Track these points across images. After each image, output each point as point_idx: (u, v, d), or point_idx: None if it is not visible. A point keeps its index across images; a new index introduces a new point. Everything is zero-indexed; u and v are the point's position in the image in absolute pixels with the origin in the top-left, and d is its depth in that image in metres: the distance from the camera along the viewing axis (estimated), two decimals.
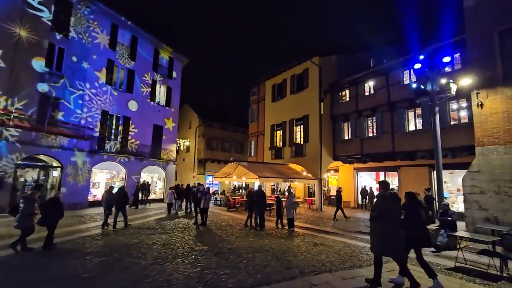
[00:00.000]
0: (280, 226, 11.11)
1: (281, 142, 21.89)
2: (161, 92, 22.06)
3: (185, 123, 30.78)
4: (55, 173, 15.01)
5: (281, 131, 21.99)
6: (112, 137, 17.94)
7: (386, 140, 15.30)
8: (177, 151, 27.55)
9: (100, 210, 11.41)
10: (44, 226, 6.96)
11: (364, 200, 17.74)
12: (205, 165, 28.04)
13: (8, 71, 13.03)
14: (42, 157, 14.42)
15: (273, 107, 23.15)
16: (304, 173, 18.63)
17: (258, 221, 10.80)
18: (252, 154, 25.27)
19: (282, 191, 21.28)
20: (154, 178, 21.10)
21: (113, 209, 10.03)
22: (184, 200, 16.39)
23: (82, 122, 16.00)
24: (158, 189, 21.17)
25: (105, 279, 4.99)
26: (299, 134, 20.30)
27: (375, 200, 5.36)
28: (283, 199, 12.52)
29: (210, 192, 14.93)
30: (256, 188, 12.93)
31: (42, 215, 6.94)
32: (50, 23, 14.71)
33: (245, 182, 22.30)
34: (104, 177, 17.66)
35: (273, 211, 14.12)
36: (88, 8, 16.64)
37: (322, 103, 18.61)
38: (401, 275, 4.83)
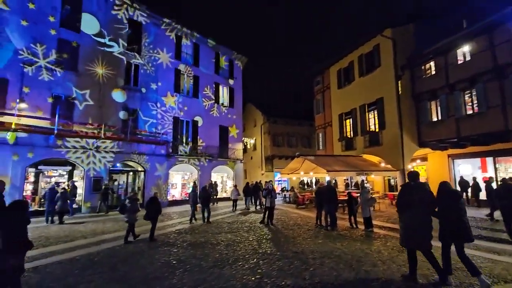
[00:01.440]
0: (354, 226, 9.72)
1: (351, 132, 19.80)
2: (224, 94, 22.72)
3: (250, 122, 31.20)
4: (141, 176, 16.87)
5: (351, 119, 19.88)
6: (184, 140, 19.26)
7: (494, 117, 11.91)
8: (244, 150, 28.09)
9: (178, 208, 12.14)
10: (148, 220, 8.23)
11: (465, 193, 14.32)
12: (273, 162, 27.76)
13: (96, 106, 15.01)
14: (129, 163, 16.41)
15: (340, 95, 21.15)
16: (383, 165, 16.28)
17: (328, 220, 9.66)
18: (320, 148, 23.72)
19: (358, 186, 19.21)
20: (223, 177, 21.86)
21: (198, 205, 11.35)
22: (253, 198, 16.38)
23: (158, 128, 17.57)
24: (228, 188, 21.83)
25: (165, 282, 4.87)
26: (372, 121, 17.92)
27: (400, 189, 5.03)
28: (357, 195, 10.99)
29: (276, 189, 14.33)
30: (326, 183, 11.74)
31: (146, 211, 8.23)
32: (121, 56, 16.41)
33: (315, 178, 21.03)
34: (180, 178, 19.09)
35: (347, 209, 12.62)
36: (155, 25, 18.20)
37: (399, 82, 15.91)
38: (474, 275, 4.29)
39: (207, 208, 11.30)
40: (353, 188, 18.63)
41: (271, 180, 18.75)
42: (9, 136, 11.92)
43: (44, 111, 13.13)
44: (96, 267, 5.78)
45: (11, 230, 3.67)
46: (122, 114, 15.74)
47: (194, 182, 16.70)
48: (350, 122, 20.03)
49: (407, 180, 4.90)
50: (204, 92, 20.89)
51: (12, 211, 3.87)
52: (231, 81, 23.14)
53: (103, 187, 14.10)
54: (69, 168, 14.07)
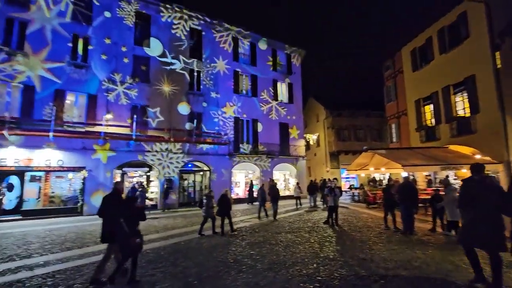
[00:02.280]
0: (441, 230, 8.07)
1: (433, 119, 16.90)
2: (282, 90, 22.29)
3: (312, 117, 29.97)
4: (207, 175, 17.83)
5: (431, 105, 16.98)
6: (245, 139, 19.59)
7: None
8: (307, 147, 27.11)
9: (241, 206, 12.33)
10: (221, 216, 8.85)
11: None
12: (338, 158, 26.01)
13: (166, 121, 16.31)
14: (196, 163, 17.52)
15: (416, 78, 18.32)
16: (478, 156, 13.32)
17: (404, 223, 8.26)
18: (394, 140, 21.06)
19: (446, 182, 16.28)
20: (286, 175, 21.45)
21: (267, 202, 11.73)
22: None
23: (220, 129, 18.29)
24: (291, 186, 21.31)
25: (218, 281, 4.74)
26: (460, 104, 14.90)
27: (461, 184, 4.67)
28: (443, 193, 9.15)
29: (343, 187, 13.22)
30: (402, 180, 10.16)
31: (219, 207, 8.92)
32: (183, 71, 17.43)
33: (388, 174, 18.72)
34: (243, 177, 19.49)
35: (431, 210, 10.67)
36: (212, 30, 19.01)
37: (497, 53, 12.78)
38: None
39: (275, 205, 11.52)
40: (438, 185, 15.86)
41: (335, 178, 17.50)
42: (102, 156, 14.10)
43: (124, 120, 15.00)
44: (160, 261, 6.08)
45: (131, 219, 4.78)
46: (188, 125, 16.85)
47: (272, 180, 16.81)
48: (430, 108, 17.13)
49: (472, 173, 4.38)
50: (262, 91, 20.86)
51: (128, 205, 5.08)
52: (289, 77, 22.56)
53: (164, 186, 15.34)
54: (147, 169, 15.77)
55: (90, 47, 14.62)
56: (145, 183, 15.17)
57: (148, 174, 15.82)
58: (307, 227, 9.54)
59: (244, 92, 20.25)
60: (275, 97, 21.47)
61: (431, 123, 17.02)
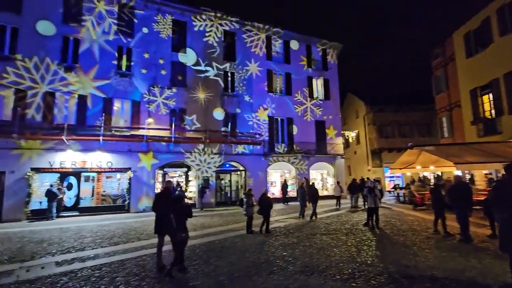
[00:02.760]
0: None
1: (492, 110, 14.94)
2: (318, 87, 21.62)
3: (351, 113, 28.57)
4: (242, 175, 18.03)
5: (490, 94, 15.04)
6: (280, 139, 19.40)
7: None
8: (347, 144, 25.90)
9: (277, 206, 12.23)
10: (262, 215, 8.88)
11: None
12: (381, 155, 24.37)
13: (202, 125, 16.77)
14: (232, 163, 17.83)
15: (471, 65, 16.37)
16: None
17: (461, 228, 7.37)
18: (446, 135, 19.09)
19: None
20: (323, 174, 20.74)
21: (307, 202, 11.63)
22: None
23: (255, 125, 18.35)
24: (329, 185, 20.55)
25: (248, 282, 4.71)
26: None
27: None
28: None
29: (387, 187, 12.39)
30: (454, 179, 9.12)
31: (259, 207, 8.93)
32: (216, 78, 17.79)
33: (438, 172, 17.01)
34: (279, 176, 19.31)
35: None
36: (247, 31, 19.17)
37: None
38: None
39: (314, 205, 11.42)
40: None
41: (378, 178, 16.43)
42: (146, 164, 15.17)
43: (164, 123, 15.86)
44: (195, 258, 6.26)
45: (179, 215, 5.14)
46: (223, 129, 17.31)
47: (306, 179, 16.52)
48: (489, 97, 15.18)
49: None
50: (297, 89, 20.46)
51: (176, 202, 5.46)
52: (324, 73, 21.79)
53: (200, 186, 15.80)
54: (185, 169, 16.49)
55: (132, 62, 15.76)
56: (183, 182, 15.87)
57: (186, 174, 16.53)
58: (345, 229, 9.06)
59: (278, 91, 20.07)
60: (310, 94, 20.90)
61: (491, 115, 15.06)
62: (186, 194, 14.01)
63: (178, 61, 16.98)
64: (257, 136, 18.18)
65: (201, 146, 16.58)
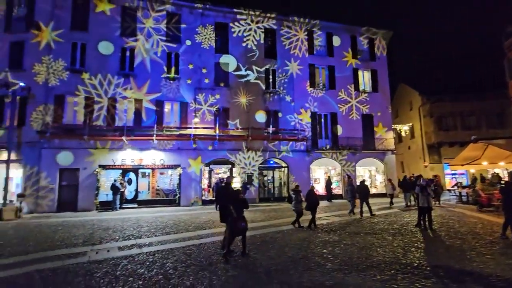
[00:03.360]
0: None
1: None
2: (365, 78, 20.43)
3: (403, 105, 26.31)
4: (285, 172, 18.05)
5: None
6: (323, 135, 18.89)
7: None
8: (399, 139, 24.05)
9: (321, 203, 11.94)
10: (309, 211, 9.02)
11: None
12: (440, 151, 22.02)
13: (245, 131, 17.05)
14: (275, 159, 17.97)
15: None
16: None
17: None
18: None
19: None
20: (372, 171, 19.58)
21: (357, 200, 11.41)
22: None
23: (297, 126, 18.18)
24: (378, 183, 19.33)
25: (284, 277, 4.81)
26: None
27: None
28: None
29: (448, 185, 11.33)
30: None
31: (306, 203, 9.12)
32: (257, 81, 17.97)
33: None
34: (323, 173, 18.83)
35: None
36: (287, 28, 19.04)
37: None
38: None
39: (366, 202, 11.14)
40: None
41: (436, 175, 14.95)
42: (195, 169, 16.16)
43: (209, 122, 16.71)
44: (236, 251, 6.55)
45: (238, 206, 5.95)
46: (265, 128, 17.43)
47: (349, 176, 16.01)
48: None
49: None
50: (341, 82, 19.63)
51: (235, 195, 6.29)
52: (372, 62, 20.47)
53: (242, 181, 16.25)
54: (229, 166, 17.15)
55: (179, 67, 16.93)
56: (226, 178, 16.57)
57: (231, 170, 17.18)
58: (392, 229, 8.51)
59: (321, 86, 19.52)
60: (356, 87, 19.86)
61: None
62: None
63: (222, 58, 17.69)
64: (300, 132, 17.97)
65: (244, 144, 17.05)
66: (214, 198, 13.93)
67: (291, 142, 17.81)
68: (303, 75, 18.99)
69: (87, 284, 4.65)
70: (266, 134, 17.21)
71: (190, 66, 17.06)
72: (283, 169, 18.17)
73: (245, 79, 17.93)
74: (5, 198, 12.65)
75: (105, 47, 15.90)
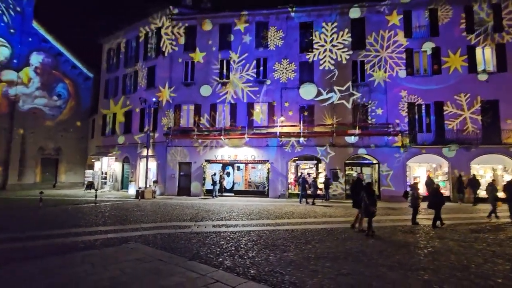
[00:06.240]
0: None
1: None
2: (485, 56, 16.54)
3: None
4: (376, 168, 16.92)
5: None
6: (424, 127, 16.58)
7: None
8: None
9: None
10: (432, 209, 9.05)
11: None
12: None
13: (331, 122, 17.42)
14: (364, 155, 17.11)
15: None
16: None
17: None
18: None
19: None
20: (497, 170, 15.75)
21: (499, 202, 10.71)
22: None
23: (389, 119, 16.68)
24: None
25: (326, 263, 5.28)
26: None
27: None
28: None
29: None
30: None
31: (428, 201, 9.23)
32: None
33: None
34: (424, 171, 16.55)
35: None
36: (378, 13, 17.65)
37: None
38: None
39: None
40: None
41: None
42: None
43: (295, 119, 17.56)
44: (301, 238, 7.30)
45: (370, 195, 7.64)
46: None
47: (459, 175, 13.86)
48: None
49: None
50: (449, 64, 16.61)
51: (367, 186, 8.05)
52: (498, 35, 16.33)
53: (325, 177, 16.15)
54: (315, 162, 17.52)
55: (267, 70, 18.56)
56: (314, 174, 17.01)
57: (316, 166, 17.53)
58: (492, 239, 7.19)
59: (422, 72, 17.11)
60: (471, 68, 16.38)
61: None
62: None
63: (305, 61, 18.16)
64: (393, 126, 16.43)
65: (329, 140, 17.04)
66: (300, 192, 14.83)
67: (383, 137, 16.55)
68: (398, 62, 17.14)
69: (185, 245, 6.50)
70: (353, 128, 16.61)
71: (276, 65, 18.30)
72: (373, 165, 17.09)
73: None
74: (146, 183, 17.50)
75: (207, 62, 19.16)
